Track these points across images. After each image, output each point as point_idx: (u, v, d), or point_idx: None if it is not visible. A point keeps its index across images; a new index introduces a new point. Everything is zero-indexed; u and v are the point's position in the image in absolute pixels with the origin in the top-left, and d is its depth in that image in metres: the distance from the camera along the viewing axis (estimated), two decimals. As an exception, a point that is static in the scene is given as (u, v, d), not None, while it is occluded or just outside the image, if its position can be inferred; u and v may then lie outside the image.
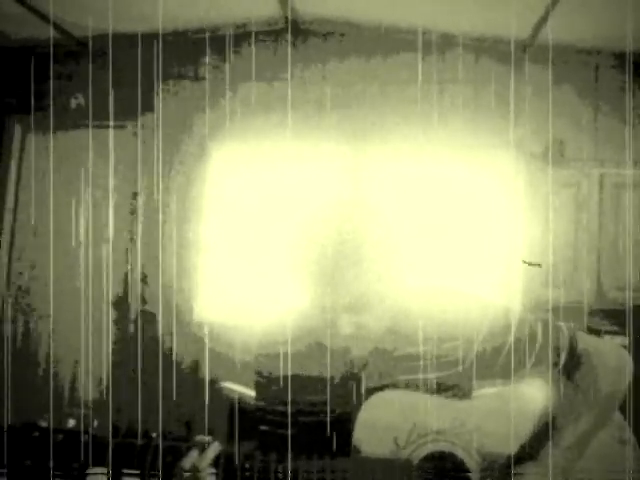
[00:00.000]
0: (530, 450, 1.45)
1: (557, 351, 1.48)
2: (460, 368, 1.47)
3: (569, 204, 3.74)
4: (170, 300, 4.00)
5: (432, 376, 1.46)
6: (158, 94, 4.14)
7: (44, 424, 1.25)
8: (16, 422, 1.24)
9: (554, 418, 1.47)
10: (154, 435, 1.27)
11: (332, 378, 1.47)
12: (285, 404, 1.46)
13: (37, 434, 1.24)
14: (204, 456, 1.30)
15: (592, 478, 1.45)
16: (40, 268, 4.19)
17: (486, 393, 1.49)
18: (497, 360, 1.47)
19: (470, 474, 1.42)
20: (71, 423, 1.29)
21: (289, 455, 1.34)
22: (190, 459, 1.29)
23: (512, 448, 1.45)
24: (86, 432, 1.26)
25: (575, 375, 1.48)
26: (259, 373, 1.55)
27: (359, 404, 1.42)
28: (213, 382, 3.45)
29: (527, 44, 3.89)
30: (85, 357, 4.04)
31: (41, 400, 3.62)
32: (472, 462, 1.43)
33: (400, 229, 1.50)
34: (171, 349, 3.94)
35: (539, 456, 1.44)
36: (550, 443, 1.45)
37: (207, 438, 1.32)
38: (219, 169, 4.23)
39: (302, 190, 4.02)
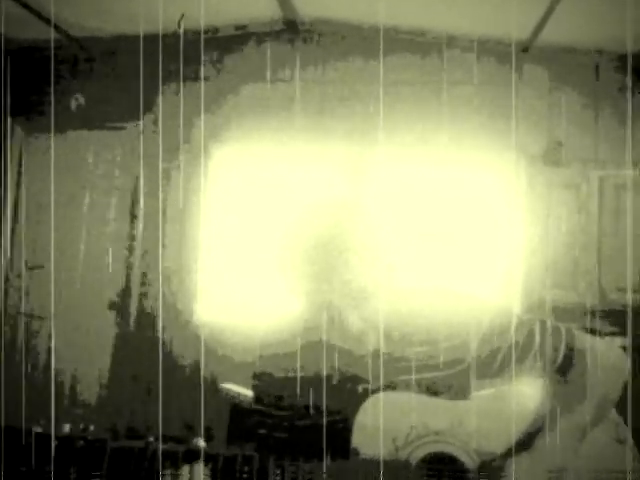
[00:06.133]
0: (525, 446, 1.45)
1: (554, 351, 1.49)
2: (458, 368, 1.47)
3: (569, 205, 3.74)
4: (170, 301, 4.00)
5: (430, 376, 1.47)
6: (158, 95, 4.14)
7: (39, 430, 1.24)
8: (10, 427, 1.24)
9: (550, 417, 1.47)
10: (151, 439, 1.27)
11: (330, 380, 1.48)
12: (283, 406, 1.47)
13: (32, 440, 1.24)
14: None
15: (590, 478, 1.45)
16: (40, 270, 4.18)
17: (484, 393, 1.50)
18: (495, 360, 1.48)
19: (468, 474, 1.42)
20: (66, 428, 1.28)
21: (287, 458, 1.34)
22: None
23: (510, 448, 1.45)
24: (82, 438, 1.26)
25: (572, 375, 1.49)
26: (258, 375, 1.56)
27: (357, 406, 1.42)
28: (213, 384, 3.45)
29: (527, 45, 3.89)
30: (84, 360, 4.04)
31: (36, 405, 3.61)
32: (470, 462, 1.43)
33: (399, 230, 1.50)
34: (171, 351, 3.94)
35: (534, 453, 1.44)
36: (546, 440, 1.45)
37: (202, 443, 1.32)
38: (220, 170, 4.23)
39: (303, 191, 4.02)
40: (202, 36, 3.88)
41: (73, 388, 4.12)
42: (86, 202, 4.27)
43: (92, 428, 1.27)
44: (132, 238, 4.19)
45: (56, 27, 3.91)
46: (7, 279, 4.35)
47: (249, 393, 1.59)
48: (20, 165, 4.38)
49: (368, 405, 1.42)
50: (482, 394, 1.50)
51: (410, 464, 1.40)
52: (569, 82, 3.94)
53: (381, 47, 3.70)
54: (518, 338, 1.47)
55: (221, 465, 1.31)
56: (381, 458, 1.38)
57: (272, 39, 4.15)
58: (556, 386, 1.50)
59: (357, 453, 1.39)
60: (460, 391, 1.49)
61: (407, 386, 1.45)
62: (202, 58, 4.01)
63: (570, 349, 1.49)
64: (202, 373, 3.77)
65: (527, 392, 1.51)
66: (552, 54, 3.94)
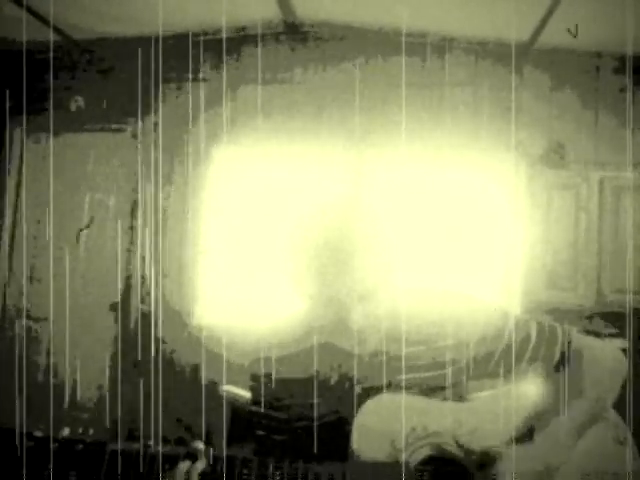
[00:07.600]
0: (523, 445, 1.45)
1: (552, 351, 1.49)
2: (456, 368, 1.47)
3: (569, 207, 3.74)
4: (170, 303, 4.00)
5: (428, 376, 1.47)
6: (158, 97, 4.15)
7: (38, 434, 1.24)
8: (9, 430, 1.24)
9: (548, 416, 1.47)
10: (150, 443, 1.27)
11: (329, 381, 1.47)
12: (283, 408, 1.46)
13: (32, 444, 1.24)
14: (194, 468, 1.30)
15: (591, 479, 1.45)
16: (40, 271, 4.19)
17: (483, 394, 1.50)
18: (493, 361, 1.48)
19: (468, 475, 1.42)
20: (66, 432, 1.27)
21: (286, 460, 1.34)
22: (182, 469, 1.29)
23: (509, 447, 1.45)
24: (82, 441, 1.26)
25: (570, 375, 1.49)
26: (257, 376, 1.55)
27: (357, 407, 1.42)
28: (213, 385, 3.45)
29: (527, 47, 3.89)
30: (84, 362, 4.04)
31: (36, 408, 3.61)
32: (470, 463, 1.43)
33: (399, 231, 1.50)
34: (171, 353, 3.93)
35: (532, 452, 1.44)
36: (544, 440, 1.45)
37: (201, 445, 1.32)
38: (219, 172, 4.23)
39: (302, 193, 4.01)
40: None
41: (73, 391, 4.12)
42: (86, 203, 4.27)
43: (91, 431, 1.27)
44: (132, 240, 4.19)
45: (56, 29, 3.91)
46: (7, 280, 4.35)
47: (249, 395, 1.58)
48: (20, 166, 4.38)
49: (368, 406, 1.42)
50: (481, 395, 1.50)
51: (410, 466, 1.40)
52: (569, 83, 3.94)
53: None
54: (516, 338, 1.47)
55: (220, 467, 1.30)
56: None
57: (272, 41, 4.16)
58: (554, 386, 1.50)
59: (356, 455, 1.39)
60: (459, 392, 1.49)
61: (406, 387, 1.45)
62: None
63: (568, 349, 1.49)
64: (203, 375, 3.77)
65: (525, 392, 1.51)
66: (552, 56, 3.94)
